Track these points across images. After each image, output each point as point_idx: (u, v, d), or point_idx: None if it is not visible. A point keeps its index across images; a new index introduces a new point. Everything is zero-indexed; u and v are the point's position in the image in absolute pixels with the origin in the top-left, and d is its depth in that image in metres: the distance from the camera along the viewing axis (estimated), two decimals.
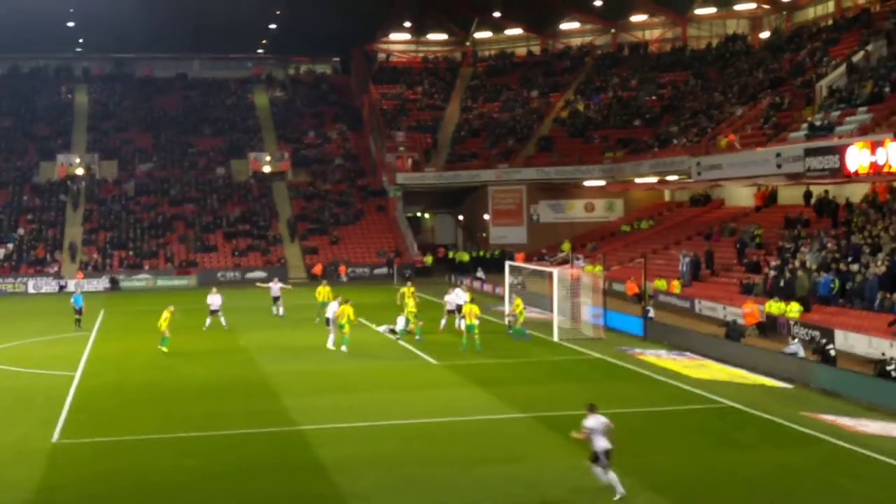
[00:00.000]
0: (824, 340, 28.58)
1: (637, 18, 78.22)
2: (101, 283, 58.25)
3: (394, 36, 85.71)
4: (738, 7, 72.19)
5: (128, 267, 60.54)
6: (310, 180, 71.93)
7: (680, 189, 61.73)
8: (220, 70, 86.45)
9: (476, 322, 31.56)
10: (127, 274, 59.64)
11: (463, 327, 32.61)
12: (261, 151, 73.73)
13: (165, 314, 31.97)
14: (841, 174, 37.44)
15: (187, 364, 30.00)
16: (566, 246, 58.66)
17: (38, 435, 20.93)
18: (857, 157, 35.73)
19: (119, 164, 72.03)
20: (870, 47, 47.54)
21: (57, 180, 68.76)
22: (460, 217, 73.86)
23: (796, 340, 28.25)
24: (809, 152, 39.23)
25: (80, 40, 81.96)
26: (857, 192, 42.16)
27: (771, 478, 17.28)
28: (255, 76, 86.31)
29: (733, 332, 32.09)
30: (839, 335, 29.87)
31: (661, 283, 44.06)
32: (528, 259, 55.63)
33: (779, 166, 41.69)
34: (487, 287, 50.72)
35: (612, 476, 15.90)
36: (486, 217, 68.20)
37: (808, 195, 45.39)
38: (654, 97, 69.28)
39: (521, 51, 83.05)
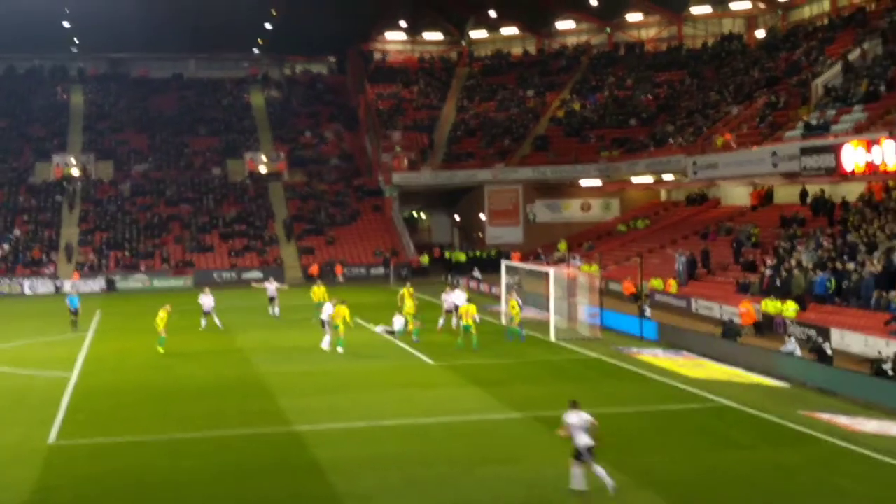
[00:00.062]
0: (821, 339, 28.60)
1: (633, 17, 78.33)
2: (98, 284, 58.19)
3: (389, 35, 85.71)
4: (733, 6, 72.35)
5: (124, 268, 60.49)
6: (306, 180, 71.93)
7: (676, 188, 61.78)
8: (215, 70, 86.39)
9: (472, 322, 31.56)
10: (123, 275, 59.58)
11: (461, 326, 32.68)
12: (257, 151, 73.73)
13: (162, 314, 31.95)
14: (837, 173, 37.52)
15: (184, 365, 29.97)
16: (562, 245, 58.72)
17: (34, 436, 20.90)
18: (853, 156, 35.80)
19: (115, 164, 72.01)
20: (865, 46, 47.62)
21: (53, 181, 68.72)
22: (457, 217, 73.88)
23: (793, 339, 28.26)
24: (805, 151, 39.29)
25: (76, 41, 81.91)
26: (853, 191, 42.20)
27: (768, 477, 17.29)
28: (251, 76, 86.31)
29: (730, 331, 32.10)
30: (835, 334, 29.89)
31: (657, 283, 44.06)
32: (524, 259, 55.63)
33: (775, 165, 41.76)
34: (484, 287, 50.71)
35: (599, 470, 15.95)
36: (483, 217, 68.23)
37: (804, 194, 45.44)
38: (649, 96, 69.34)
39: (517, 50, 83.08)
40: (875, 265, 32.51)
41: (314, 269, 58.07)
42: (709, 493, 16.59)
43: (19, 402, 24.82)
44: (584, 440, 15.97)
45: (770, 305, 34.40)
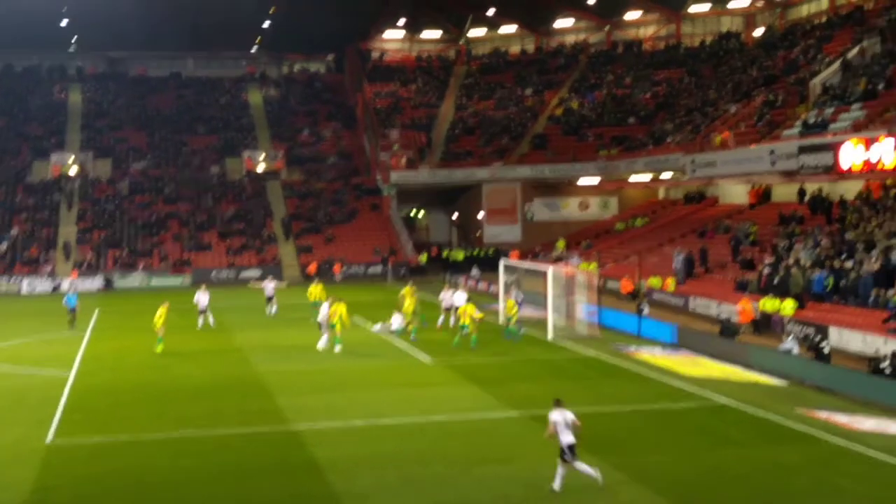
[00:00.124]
0: (819, 337, 28.63)
1: (631, 16, 78.34)
2: (96, 283, 58.14)
3: (388, 34, 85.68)
4: (732, 4, 72.37)
5: (122, 266, 60.43)
6: (304, 179, 71.88)
7: (674, 187, 61.80)
8: (213, 69, 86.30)
9: (469, 322, 31.55)
10: (121, 273, 59.52)
11: (459, 326, 32.71)
12: (255, 150, 73.68)
13: (160, 311, 31.93)
14: (835, 171, 37.53)
15: (182, 364, 29.94)
16: (561, 244, 58.72)
17: (32, 435, 20.88)
18: (851, 154, 35.82)
19: (113, 163, 71.91)
20: (863, 44, 47.64)
21: (51, 179, 68.64)
22: (455, 215, 73.87)
23: (791, 337, 28.30)
24: (803, 149, 39.30)
25: (74, 39, 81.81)
26: (850, 190, 42.23)
27: (766, 475, 17.30)
28: (249, 75, 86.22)
29: (728, 329, 32.12)
30: (833, 332, 29.92)
31: (655, 281, 44.07)
32: (522, 257, 55.63)
33: (773, 163, 41.77)
34: (482, 285, 50.70)
35: (583, 466, 16.05)
36: (481, 215, 68.21)
37: (802, 192, 45.46)
38: (648, 95, 69.34)
39: (515, 48, 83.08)
40: (873, 263, 32.54)
41: (312, 268, 58.04)
42: (707, 492, 16.60)
43: (17, 401, 24.78)
44: (566, 438, 16.04)
45: (768, 304, 34.42)
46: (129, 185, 69.16)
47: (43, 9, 68.22)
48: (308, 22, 76.26)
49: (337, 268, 59.83)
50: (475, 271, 56.86)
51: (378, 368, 28.66)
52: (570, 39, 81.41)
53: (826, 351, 26.93)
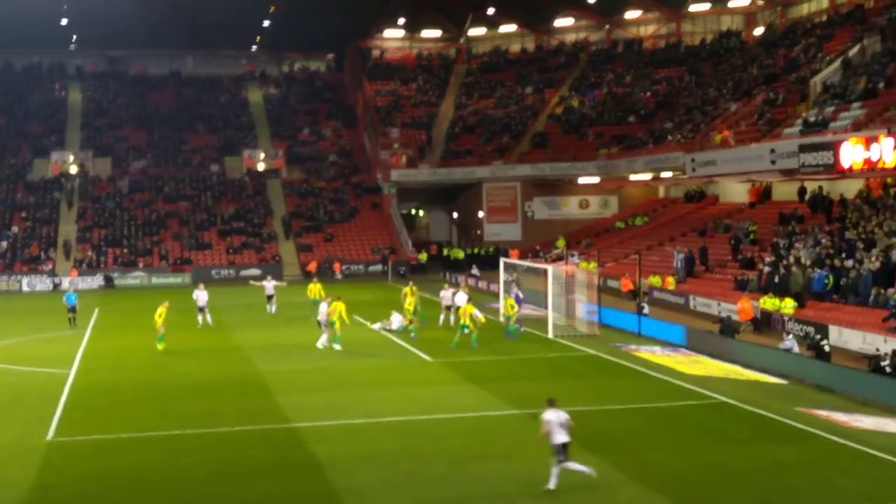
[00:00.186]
0: (818, 336, 28.62)
1: (631, 14, 78.26)
2: (96, 281, 58.17)
3: (388, 33, 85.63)
4: (732, 3, 72.27)
5: (122, 265, 60.46)
6: (304, 177, 71.90)
7: (674, 185, 61.80)
8: (213, 67, 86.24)
9: (469, 322, 31.54)
10: (121, 272, 59.56)
11: (459, 326, 32.70)
12: (255, 149, 73.68)
13: (160, 310, 31.94)
14: (835, 170, 37.51)
15: (182, 362, 29.95)
16: (561, 243, 58.70)
17: (32, 433, 20.89)
18: (851, 153, 35.80)
19: (113, 161, 71.95)
20: (864, 43, 47.62)
21: (51, 178, 68.67)
22: (455, 214, 73.88)
23: (791, 336, 28.31)
24: (804, 148, 39.29)
25: (74, 38, 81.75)
26: (851, 188, 42.24)
27: (766, 473, 17.31)
28: (249, 73, 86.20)
29: (728, 328, 32.12)
30: (833, 331, 29.92)
31: (655, 280, 44.09)
32: (522, 256, 55.59)
33: (773, 162, 41.75)
34: (482, 284, 50.71)
35: (574, 465, 16.07)
36: (481, 214, 68.22)
37: (802, 191, 45.46)
38: (648, 93, 69.32)
39: (516, 47, 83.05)
40: (873, 262, 32.54)
41: (312, 267, 58.06)
42: (706, 490, 16.61)
43: (17, 399, 24.80)
44: (560, 438, 16.02)
45: (768, 302, 34.44)
46: (129, 183, 69.17)
47: (43, 7, 68.16)
48: (308, 20, 76.20)
49: (337, 266, 59.84)
50: (475, 270, 56.85)
51: (378, 367, 28.65)
52: (570, 38, 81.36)
53: (826, 350, 26.93)
